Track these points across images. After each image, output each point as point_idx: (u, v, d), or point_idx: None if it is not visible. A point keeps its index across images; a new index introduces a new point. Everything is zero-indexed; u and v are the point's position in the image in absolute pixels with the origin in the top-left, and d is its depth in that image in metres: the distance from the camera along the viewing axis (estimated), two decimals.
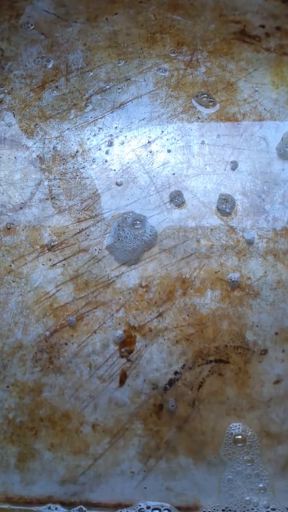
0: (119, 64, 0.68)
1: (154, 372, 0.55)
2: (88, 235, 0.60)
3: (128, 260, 0.59)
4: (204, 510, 0.51)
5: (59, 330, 0.57)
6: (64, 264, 0.59)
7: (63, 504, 0.52)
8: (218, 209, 0.60)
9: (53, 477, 0.53)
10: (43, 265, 0.59)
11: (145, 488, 0.52)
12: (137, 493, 0.52)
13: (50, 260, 0.59)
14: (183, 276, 0.58)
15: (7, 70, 0.68)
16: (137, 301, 0.57)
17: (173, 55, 0.68)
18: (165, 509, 0.51)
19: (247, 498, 0.51)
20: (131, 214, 0.60)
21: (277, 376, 0.55)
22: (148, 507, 0.51)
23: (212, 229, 0.60)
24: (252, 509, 0.50)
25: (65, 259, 0.59)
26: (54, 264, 0.59)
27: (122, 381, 0.55)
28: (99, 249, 0.59)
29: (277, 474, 0.52)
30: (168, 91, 0.66)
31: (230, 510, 0.51)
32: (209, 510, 0.51)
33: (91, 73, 0.67)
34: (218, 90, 0.66)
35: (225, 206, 0.60)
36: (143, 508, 0.51)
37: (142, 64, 0.68)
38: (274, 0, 0.73)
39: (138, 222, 0.59)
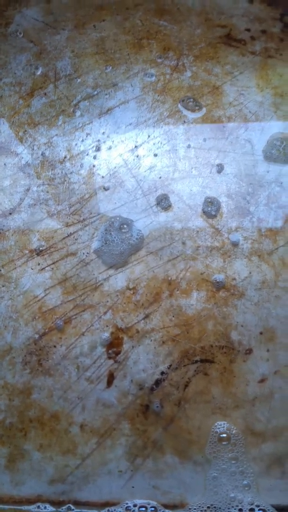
0: (107, 70, 0.69)
1: (141, 373, 0.56)
2: (76, 239, 0.61)
3: (116, 263, 0.60)
4: (190, 507, 0.52)
5: (48, 333, 0.58)
6: (52, 268, 0.60)
7: (52, 503, 0.53)
8: (203, 212, 0.62)
9: (42, 477, 0.55)
10: (32, 269, 0.60)
11: (133, 487, 0.53)
12: (124, 492, 0.53)
13: (39, 264, 0.60)
14: (170, 278, 0.59)
15: None
16: (125, 303, 0.58)
17: (159, 60, 0.69)
18: (151, 507, 0.52)
19: (232, 495, 0.52)
20: (118, 218, 0.61)
21: (262, 375, 0.56)
22: (135, 505, 0.52)
23: (198, 231, 0.61)
24: (237, 506, 0.51)
25: (53, 263, 0.60)
26: (43, 268, 0.60)
27: (109, 382, 0.56)
28: (87, 253, 0.60)
29: (261, 471, 0.53)
30: (154, 96, 0.67)
31: (215, 507, 0.51)
32: (195, 507, 0.52)
33: (79, 80, 0.69)
34: (204, 94, 0.67)
35: (211, 208, 0.62)
36: (130, 506, 0.52)
37: (129, 70, 0.69)
38: (260, 4, 0.74)
39: (125, 226, 0.61)
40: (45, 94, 0.68)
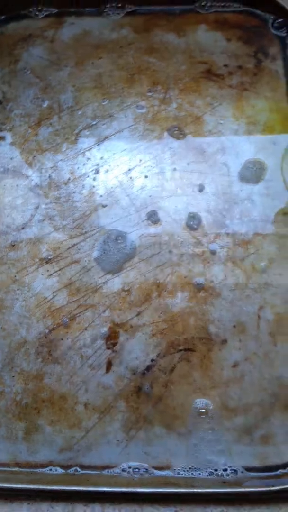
0: (104, 103, 0.77)
1: (134, 360, 0.63)
2: (79, 249, 0.68)
3: (112, 269, 0.67)
4: (175, 468, 0.59)
5: (56, 328, 0.64)
6: (59, 274, 0.67)
7: (62, 466, 0.59)
8: (187, 225, 0.69)
9: (53, 446, 0.60)
10: (42, 275, 0.67)
11: (129, 454, 0.59)
12: (121, 457, 0.59)
13: (47, 270, 0.67)
14: (158, 281, 0.66)
15: (8, 110, 0.77)
16: (120, 303, 0.65)
17: (149, 93, 0.77)
18: (143, 468, 0.58)
19: (209, 458, 0.58)
20: (114, 231, 0.69)
21: (235, 361, 0.63)
22: (129, 467, 0.58)
23: (182, 242, 0.68)
24: (213, 467, 0.58)
25: (60, 269, 0.67)
26: (51, 274, 0.67)
27: (108, 369, 0.62)
28: (88, 261, 0.67)
29: (233, 439, 0.59)
30: (145, 125, 0.75)
31: (195, 468, 0.59)
32: (179, 469, 0.58)
33: (80, 111, 0.76)
34: (187, 123, 0.75)
35: (193, 222, 0.70)
36: (125, 468, 0.58)
37: (123, 102, 0.76)
38: (236, 42, 0.82)
39: (120, 238, 0.69)
40: (51, 124, 0.75)
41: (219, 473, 0.57)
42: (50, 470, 0.59)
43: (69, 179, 0.71)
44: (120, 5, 0.82)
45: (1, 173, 0.72)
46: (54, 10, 0.83)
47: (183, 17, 0.82)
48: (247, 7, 0.82)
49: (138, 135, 0.74)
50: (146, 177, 0.71)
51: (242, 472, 0.57)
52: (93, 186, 0.71)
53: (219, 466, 0.58)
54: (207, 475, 0.57)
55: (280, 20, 0.80)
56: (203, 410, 0.60)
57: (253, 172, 0.71)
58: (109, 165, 0.72)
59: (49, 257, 0.67)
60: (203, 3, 0.82)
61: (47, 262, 0.67)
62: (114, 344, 0.63)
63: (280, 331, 0.63)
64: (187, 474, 0.57)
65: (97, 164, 0.72)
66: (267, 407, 0.60)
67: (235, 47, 0.79)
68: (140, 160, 0.72)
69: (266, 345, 0.63)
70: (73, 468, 0.58)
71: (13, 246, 0.68)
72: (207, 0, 0.82)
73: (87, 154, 0.73)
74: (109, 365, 0.63)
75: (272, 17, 0.81)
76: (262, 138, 0.73)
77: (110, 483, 0.56)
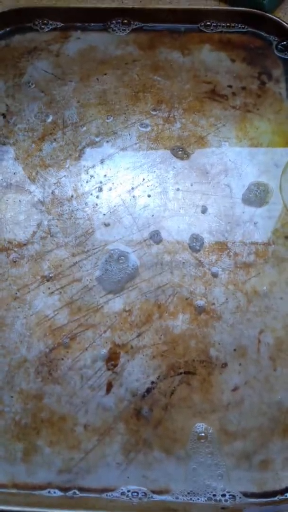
0: (108, 120, 0.77)
1: (134, 382, 0.63)
2: (81, 267, 0.68)
3: (114, 289, 0.67)
4: (173, 493, 0.59)
5: (57, 348, 0.64)
6: (60, 292, 0.67)
7: (60, 488, 0.59)
8: (189, 246, 0.70)
9: (51, 468, 0.60)
10: (43, 293, 0.67)
11: (128, 477, 0.59)
12: (120, 480, 0.59)
13: (49, 288, 0.67)
14: (159, 302, 0.66)
15: (12, 124, 0.77)
16: (121, 323, 0.65)
17: (153, 112, 0.78)
18: (142, 492, 0.58)
19: (208, 483, 0.58)
20: (116, 250, 0.69)
21: (235, 385, 0.63)
22: (128, 491, 0.58)
23: (184, 263, 0.69)
24: (211, 492, 0.58)
25: (61, 287, 0.67)
26: (52, 292, 0.67)
27: (108, 390, 0.62)
28: (90, 279, 0.68)
29: (232, 464, 0.60)
30: (149, 144, 0.76)
31: (194, 492, 0.59)
32: (177, 493, 0.58)
33: (84, 127, 0.77)
34: (191, 143, 0.76)
35: (195, 243, 0.70)
36: (124, 491, 0.59)
37: (127, 120, 0.77)
38: (241, 63, 0.83)
39: (122, 257, 0.69)
40: (55, 139, 0.75)
41: (218, 499, 0.58)
42: (49, 492, 0.58)
43: (72, 196, 0.72)
44: (126, 21, 0.83)
45: (4, 188, 0.72)
46: (60, 24, 0.83)
47: (188, 35, 0.83)
48: (251, 28, 0.83)
49: (142, 154, 0.74)
50: (149, 196, 0.72)
51: (240, 497, 0.58)
52: (96, 204, 0.71)
53: (218, 491, 0.58)
54: (205, 500, 0.57)
55: (284, 42, 0.81)
56: (203, 434, 0.60)
57: (257, 195, 0.72)
58: (112, 183, 0.73)
59: (50, 275, 0.68)
60: (208, 23, 0.83)
61: (48, 280, 0.67)
62: (115, 366, 0.63)
63: (280, 355, 0.63)
64: (185, 499, 0.58)
65: (100, 182, 0.73)
66: (266, 432, 0.60)
67: (239, 68, 0.80)
68: (143, 179, 0.73)
69: (266, 369, 0.63)
70: (72, 491, 0.58)
71: (14, 262, 0.68)
72: (212, 20, 0.82)
73: (91, 171, 0.73)
74: (109, 387, 0.63)
75: (276, 39, 0.82)
76: (264, 161, 0.74)
77: (109, 507, 0.56)
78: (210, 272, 0.67)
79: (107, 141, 0.75)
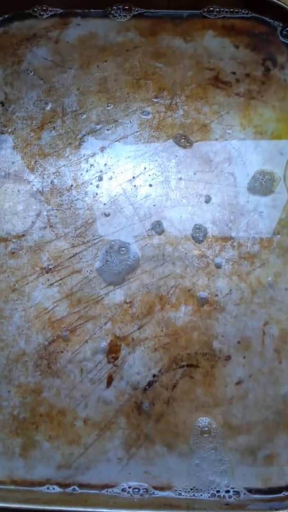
0: (108, 108, 0.75)
1: (135, 376, 0.62)
2: (81, 258, 0.67)
3: (115, 280, 0.65)
4: (176, 489, 0.58)
5: (56, 340, 0.63)
6: (60, 284, 0.65)
7: (59, 485, 0.58)
8: (192, 236, 0.68)
9: (51, 463, 0.59)
10: (42, 284, 0.66)
11: (129, 474, 0.58)
12: (121, 476, 0.58)
13: (48, 280, 0.66)
14: (161, 294, 0.65)
15: (10, 112, 0.75)
16: (122, 315, 0.64)
17: (155, 100, 0.76)
18: (143, 488, 0.57)
19: (211, 479, 0.57)
20: (117, 241, 0.67)
21: (238, 378, 0.62)
22: (129, 487, 0.57)
23: (186, 253, 0.67)
24: (215, 488, 0.57)
25: (61, 279, 0.66)
26: (51, 284, 0.66)
27: (108, 383, 0.61)
28: (90, 271, 0.66)
29: (236, 459, 0.58)
30: (150, 132, 0.74)
31: (197, 489, 0.58)
32: (180, 489, 0.58)
33: (84, 115, 0.74)
34: (193, 131, 0.74)
35: (198, 234, 0.69)
36: (125, 488, 0.57)
37: (128, 108, 0.75)
38: (244, 49, 0.81)
39: (123, 248, 0.68)
40: (54, 128, 0.73)
41: (221, 495, 0.56)
42: (48, 488, 0.57)
43: (71, 185, 0.70)
44: (126, 7, 0.81)
45: (2, 177, 0.71)
46: (59, 10, 0.81)
47: (190, 22, 0.81)
48: (255, 13, 0.81)
49: (143, 142, 0.72)
50: (150, 185, 0.70)
51: (244, 494, 0.56)
52: (96, 194, 0.70)
53: (222, 487, 0.57)
54: (209, 497, 0.56)
55: None
56: (206, 428, 0.59)
57: (262, 184, 0.70)
58: (113, 172, 0.71)
59: (49, 266, 0.66)
60: (211, 8, 0.81)
61: (47, 271, 0.66)
62: (115, 358, 0.62)
63: (286, 348, 0.62)
64: (188, 495, 0.56)
65: (101, 171, 0.71)
66: (271, 426, 0.59)
67: (243, 54, 0.78)
68: (145, 168, 0.71)
69: (270, 362, 0.62)
70: (71, 487, 0.57)
71: (13, 253, 0.67)
72: (215, 6, 0.80)
73: (91, 160, 0.72)
74: (109, 380, 0.61)
75: (281, 24, 0.80)
76: (269, 148, 0.73)
77: (109, 504, 0.55)
78: (214, 263, 0.66)
79: (108, 129, 0.73)
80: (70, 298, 0.65)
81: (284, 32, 0.80)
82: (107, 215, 0.69)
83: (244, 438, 0.59)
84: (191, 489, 0.57)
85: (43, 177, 0.71)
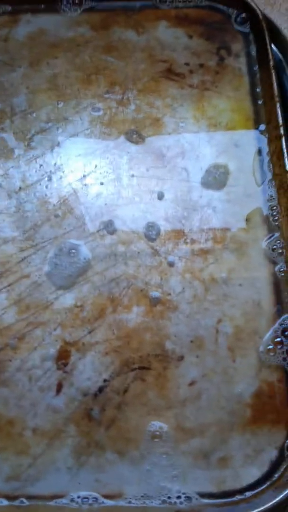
0: (59, 105, 0.74)
1: (86, 381, 0.60)
2: (29, 263, 0.65)
3: (65, 284, 0.64)
4: (126, 497, 0.56)
5: (4, 349, 0.61)
6: (8, 290, 0.64)
7: (7, 497, 0.56)
8: (144, 235, 0.67)
9: None
10: None
11: (79, 483, 0.56)
12: (71, 485, 0.56)
13: None
14: (113, 295, 0.63)
15: None
16: (72, 319, 0.62)
17: (106, 95, 0.74)
18: (93, 498, 0.56)
19: (163, 485, 0.56)
20: (67, 243, 0.66)
21: (192, 379, 0.60)
22: (78, 497, 0.56)
23: (139, 253, 0.66)
24: (166, 494, 0.56)
25: (9, 285, 0.64)
26: None
27: (58, 390, 0.60)
28: (39, 275, 0.64)
29: (189, 463, 0.57)
30: (101, 128, 0.72)
31: (148, 496, 0.56)
32: (130, 497, 0.56)
33: (33, 115, 0.73)
34: (146, 126, 0.73)
35: (151, 232, 0.67)
36: (74, 498, 0.56)
37: (78, 105, 0.74)
38: (198, 38, 0.79)
39: (73, 250, 0.66)
40: (2, 129, 0.72)
41: (172, 501, 0.55)
42: None
43: (20, 187, 0.69)
44: (77, 1, 0.79)
45: None
46: (9, 8, 0.80)
47: (143, 13, 0.80)
48: (209, 1, 0.79)
49: (94, 139, 0.71)
50: (101, 184, 0.69)
51: (196, 499, 0.55)
52: (46, 195, 0.68)
53: (173, 493, 0.56)
54: (160, 503, 0.55)
55: (243, 15, 0.77)
56: (158, 433, 0.58)
57: (216, 177, 0.69)
58: (63, 171, 0.70)
59: None
60: None
61: None
62: (65, 364, 0.61)
63: (239, 345, 0.61)
64: (138, 503, 0.55)
65: (50, 171, 0.70)
66: (225, 427, 0.58)
67: (196, 44, 0.77)
68: (96, 166, 0.70)
69: (224, 361, 0.60)
70: (19, 500, 0.55)
71: None
72: None
73: (40, 160, 0.70)
74: (59, 387, 0.60)
75: (235, 11, 0.78)
76: (223, 140, 0.71)
77: None
78: (166, 261, 0.65)
79: (57, 128, 0.71)
80: (18, 304, 0.63)
81: (239, 19, 0.79)
82: (56, 216, 0.67)
83: (197, 441, 0.58)
84: (142, 496, 0.56)
85: None
